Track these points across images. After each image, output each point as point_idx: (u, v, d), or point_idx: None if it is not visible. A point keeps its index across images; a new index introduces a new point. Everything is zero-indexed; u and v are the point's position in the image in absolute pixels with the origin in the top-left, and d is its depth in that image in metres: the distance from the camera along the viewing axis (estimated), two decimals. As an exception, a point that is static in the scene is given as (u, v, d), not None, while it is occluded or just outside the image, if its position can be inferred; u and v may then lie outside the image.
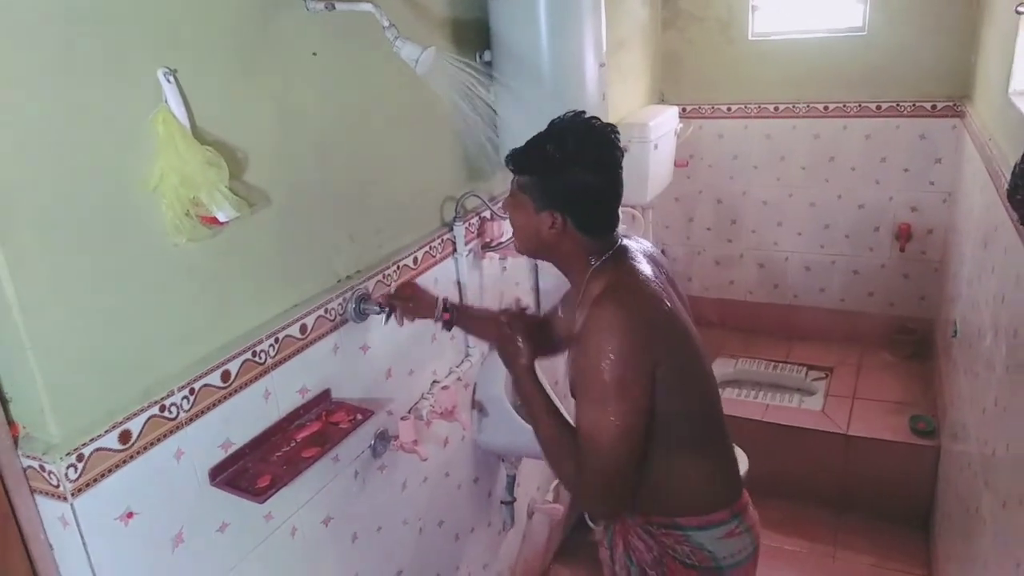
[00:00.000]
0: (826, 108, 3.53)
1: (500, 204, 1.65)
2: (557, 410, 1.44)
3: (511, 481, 2.41)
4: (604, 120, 1.40)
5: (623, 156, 1.41)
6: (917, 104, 3.36)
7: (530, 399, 1.46)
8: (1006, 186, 1.45)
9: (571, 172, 1.36)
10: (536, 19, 1.93)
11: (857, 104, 3.47)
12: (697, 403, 1.45)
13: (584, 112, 1.40)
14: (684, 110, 3.70)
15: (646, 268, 1.43)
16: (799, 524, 3.05)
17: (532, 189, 1.39)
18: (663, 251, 1.59)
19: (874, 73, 3.38)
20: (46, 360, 1.08)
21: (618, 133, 1.41)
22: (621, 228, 1.48)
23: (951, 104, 3.30)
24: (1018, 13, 1.84)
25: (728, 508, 1.47)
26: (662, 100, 3.80)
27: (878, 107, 3.43)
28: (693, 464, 1.45)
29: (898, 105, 3.40)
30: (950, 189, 3.40)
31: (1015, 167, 1.37)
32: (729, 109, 3.72)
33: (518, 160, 1.41)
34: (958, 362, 2.70)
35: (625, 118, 3.16)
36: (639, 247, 1.50)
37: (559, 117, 1.41)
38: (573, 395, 1.40)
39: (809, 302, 3.87)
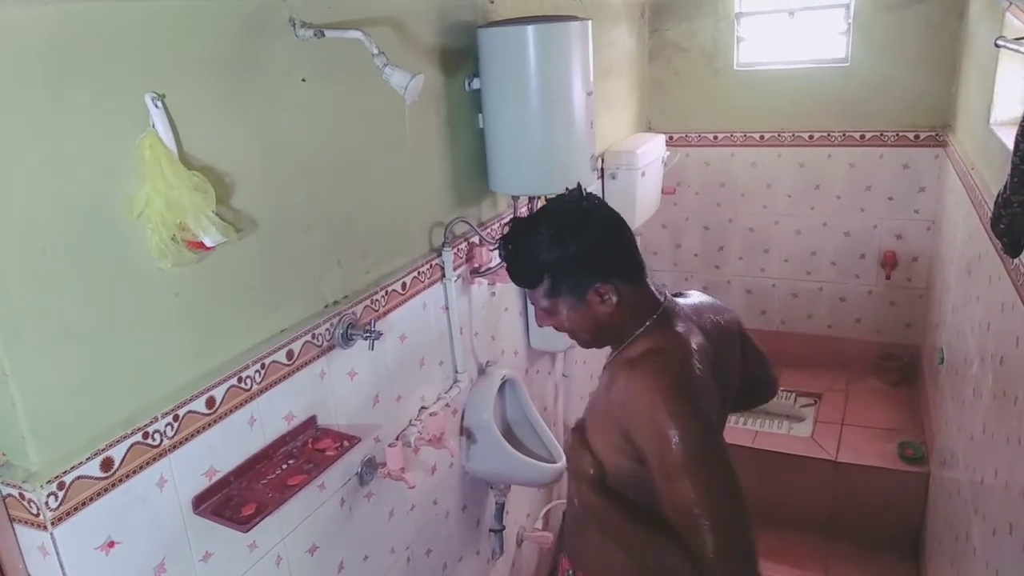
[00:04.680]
0: (811, 137, 3.58)
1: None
2: (638, 512, 1.26)
3: (500, 509, 2.38)
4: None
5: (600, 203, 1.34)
6: (900, 134, 3.41)
7: (603, 512, 1.29)
8: (990, 215, 1.46)
9: (576, 247, 1.28)
10: (524, 48, 1.95)
11: (841, 133, 3.52)
12: None
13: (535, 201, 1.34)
14: (671, 138, 3.74)
15: (695, 337, 1.31)
16: (788, 551, 3.04)
17: (560, 288, 1.30)
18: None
19: (857, 103, 3.43)
20: (27, 386, 1.06)
21: (581, 188, 1.33)
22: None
23: (933, 134, 3.35)
24: (997, 46, 1.87)
25: None
26: (649, 128, 3.84)
27: (862, 136, 3.48)
28: None
29: (882, 134, 3.45)
30: (934, 217, 3.44)
31: (998, 196, 1.38)
32: (715, 137, 3.76)
33: (526, 278, 1.33)
34: (945, 389, 2.71)
35: (613, 146, 3.19)
36: (690, 307, 1.39)
37: (517, 222, 1.35)
38: (576, 431, 1.33)
39: (796, 328, 3.89)
